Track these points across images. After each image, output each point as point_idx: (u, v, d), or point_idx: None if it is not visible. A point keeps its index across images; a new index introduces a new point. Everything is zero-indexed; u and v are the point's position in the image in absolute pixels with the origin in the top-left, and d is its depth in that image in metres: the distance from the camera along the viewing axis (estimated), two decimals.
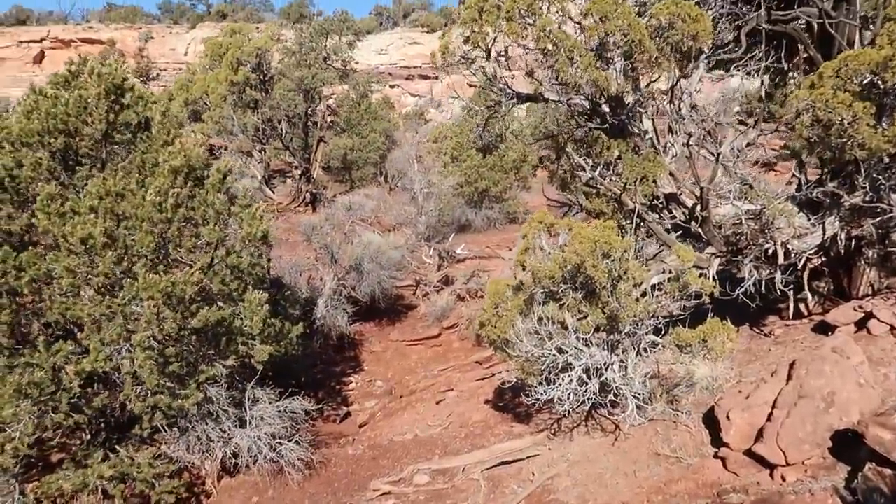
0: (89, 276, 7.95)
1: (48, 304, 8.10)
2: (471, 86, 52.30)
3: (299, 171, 28.08)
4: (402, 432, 10.74)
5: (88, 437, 9.45)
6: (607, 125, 7.95)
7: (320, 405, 12.21)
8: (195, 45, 51.10)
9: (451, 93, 56.34)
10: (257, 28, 39.57)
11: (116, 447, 8.98)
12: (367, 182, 30.83)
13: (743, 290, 7.90)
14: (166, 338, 8.22)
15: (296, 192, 28.16)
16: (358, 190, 29.31)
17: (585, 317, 7.31)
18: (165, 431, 9.09)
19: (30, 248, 8.32)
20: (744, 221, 7.66)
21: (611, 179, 8.26)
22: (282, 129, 29.24)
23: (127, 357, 7.97)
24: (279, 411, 9.92)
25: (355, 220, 17.50)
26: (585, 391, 7.24)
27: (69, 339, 7.93)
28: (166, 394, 8.42)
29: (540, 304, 7.34)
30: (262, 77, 30.50)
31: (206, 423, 9.07)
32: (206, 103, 30.80)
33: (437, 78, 57.37)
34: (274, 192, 29.17)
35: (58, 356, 7.70)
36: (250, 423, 9.25)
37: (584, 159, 8.23)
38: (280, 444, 9.30)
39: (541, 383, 7.65)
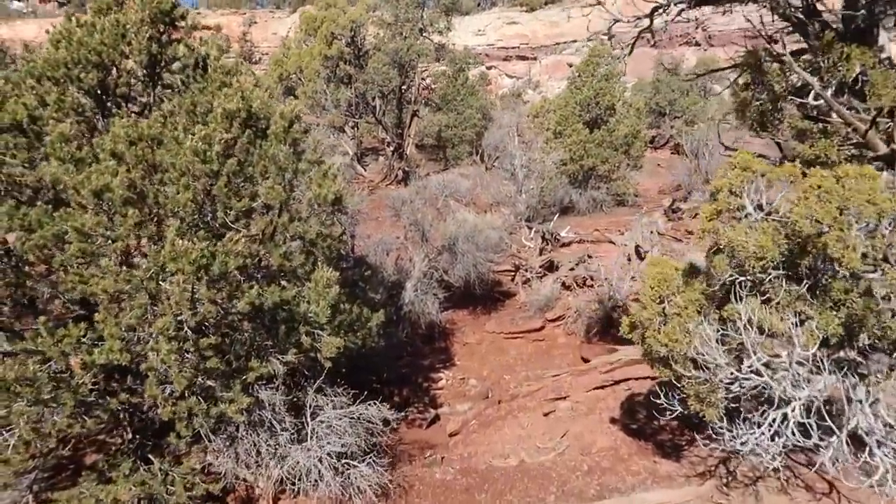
0: (109, 240, 5.95)
1: (62, 277, 6.18)
2: (570, 65, 48.88)
3: (392, 148, 26.09)
4: (503, 453, 8.28)
5: (129, 435, 7.62)
6: (838, 26, 5.12)
7: (404, 411, 9.97)
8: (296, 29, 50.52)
9: (548, 74, 53.06)
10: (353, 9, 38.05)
11: (149, 456, 7.03)
12: (461, 161, 28.48)
13: None
14: (202, 325, 6.12)
15: (387, 170, 26.21)
16: (452, 169, 27.08)
17: (803, 322, 4.57)
18: (210, 441, 7.06)
19: (47, 205, 6.43)
20: None
21: (847, 109, 5.37)
22: (375, 105, 27.40)
23: (152, 348, 5.92)
24: (351, 419, 7.71)
25: (450, 196, 15.15)
26: (829, 444, 4.47)
27: (82, 323, 5.96)
28: (204, 397, 6.35)
29: (742, 298, 4.64)
30: (356, 51, 28.76)
31: (257, 434, 6.96)
32: (299, 78, 29.46)
33: (535, 59, 54.17)
34: (365, 170, 27.38)
35: (64, 343, 5.74)
36: (311, 436, 7.06)
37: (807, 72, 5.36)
38: (348, 465, 7.06)
39: (726, 418, 4.95)
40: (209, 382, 6.24)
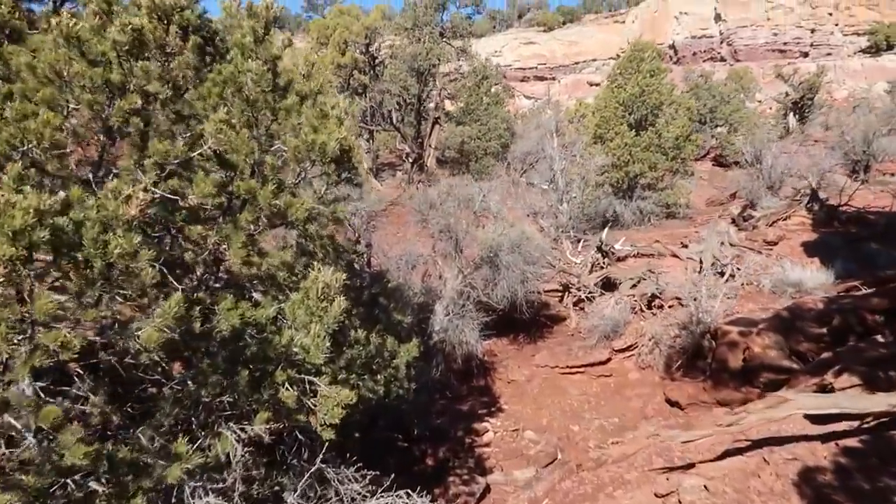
0: None
1: None
2: (591, 84, 45.52)
3: (411, 159, 23.05)
4: None
5: None
6: None
7: (443, 483, 6.65)
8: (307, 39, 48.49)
9: (568, 93, 50.40)
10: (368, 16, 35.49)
11: None
12: (486, 175, 25.38)
13: None
14: (56, 371, 2.88)
15: (407, 183, 23.13)
16: (477, 184, 23.98)
17: None
18: None
19: None
20: None
21: None
22: (392, 114, 24.51)
23: None
24: None
25: (486, 198, 11.93)
26: None
27: None
28: None
29: None
30: (371, 60, 26.03)
31: None
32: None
33: (553, 79, 51.50)
34: (382, 185, 24.32)
35: None
36: None
37: None
38: None
39: None
40: (77, 493, 2.95)
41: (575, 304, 13.52)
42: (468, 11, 26.11)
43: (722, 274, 13.12)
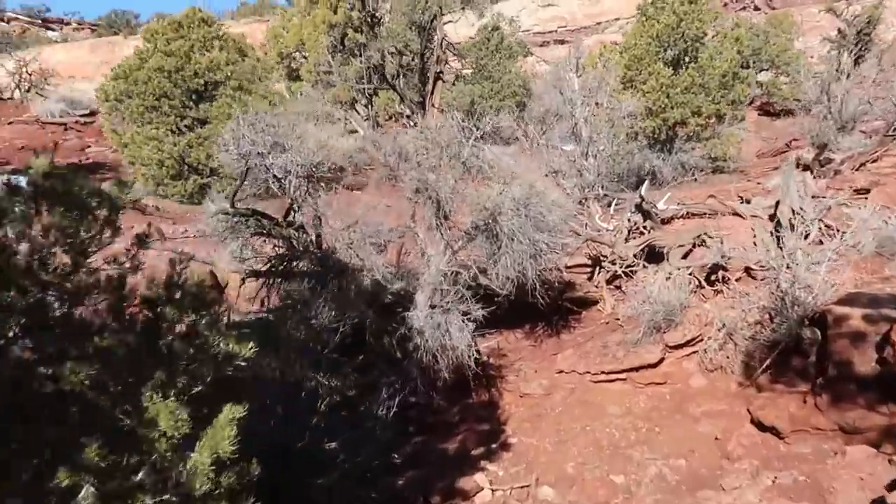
0: None
1: None
2: (615, 44, 39.97)
3: (413, 122, 19.50)
4: None
5: None
6: None
7: None
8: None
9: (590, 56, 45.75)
10: None
11: None
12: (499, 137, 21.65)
13: None
14: None
15: None
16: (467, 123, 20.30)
17: None
18: None
19: None
20: None
21: None
22: (393, 73, 20.93)
23: None
24: None
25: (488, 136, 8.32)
26: None
27: None
28: None
29: None
30: (369, 17, 22.38)
31: None
32: (304, 56, 23.35)
33: (574, 42, 46.94)
34: None
35: None
36: None
37: None
38: None
39: None
40: None
41: (609, 283, 9.87)
42: None
43: (807, 235, 9.30)
